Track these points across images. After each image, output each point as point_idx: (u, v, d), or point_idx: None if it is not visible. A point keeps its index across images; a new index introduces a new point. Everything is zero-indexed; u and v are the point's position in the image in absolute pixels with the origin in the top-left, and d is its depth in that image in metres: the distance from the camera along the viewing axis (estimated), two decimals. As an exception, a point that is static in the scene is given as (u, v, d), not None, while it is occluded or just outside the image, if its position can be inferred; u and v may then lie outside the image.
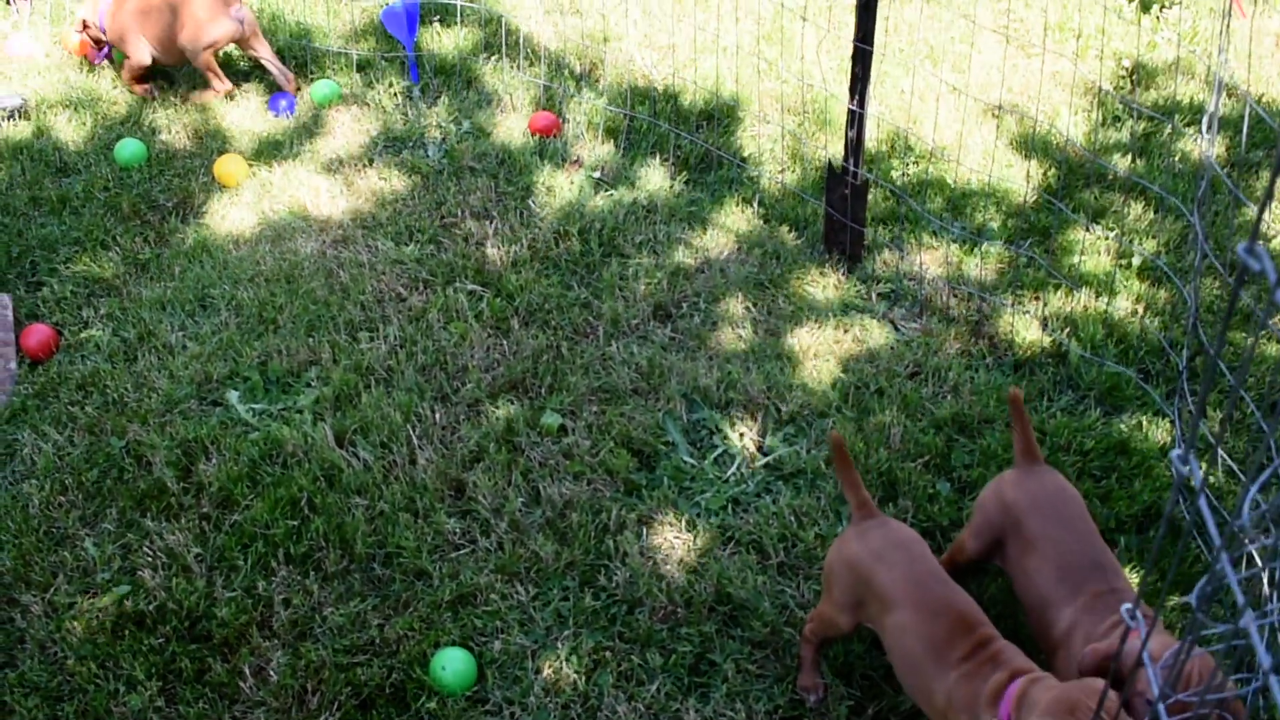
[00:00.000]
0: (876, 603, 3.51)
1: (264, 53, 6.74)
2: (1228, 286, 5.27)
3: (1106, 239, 5.56)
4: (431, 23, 7.15)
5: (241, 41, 6.66)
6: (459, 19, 7.16)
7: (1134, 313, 5.21)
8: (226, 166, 6.13)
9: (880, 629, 3.55)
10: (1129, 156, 6.18)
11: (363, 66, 6.97)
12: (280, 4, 7.43)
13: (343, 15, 7.31)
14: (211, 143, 6.44)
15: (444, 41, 7.06)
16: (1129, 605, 2.29)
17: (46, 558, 4.35)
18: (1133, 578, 4.11)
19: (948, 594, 3.45)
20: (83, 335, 5.26)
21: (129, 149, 6.30)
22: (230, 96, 6.73)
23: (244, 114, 6.68)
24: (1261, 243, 4.67)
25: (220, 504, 4.49)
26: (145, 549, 4.34)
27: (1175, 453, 1.97)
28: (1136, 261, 5.43)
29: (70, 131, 6.51)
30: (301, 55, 6.98)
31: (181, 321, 5.29)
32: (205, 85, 6.75)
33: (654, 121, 6.27)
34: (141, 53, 6.63)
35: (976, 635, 3.34)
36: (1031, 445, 3.79)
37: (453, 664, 3.88)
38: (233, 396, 4.91)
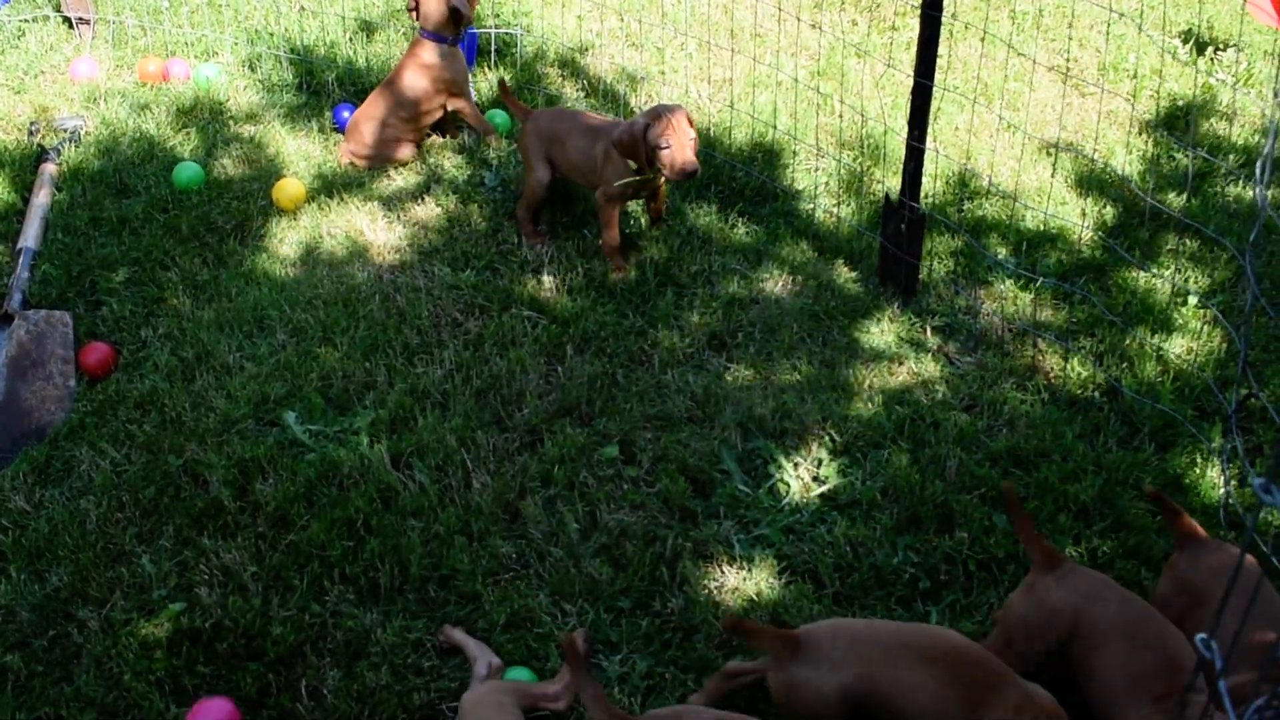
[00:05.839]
0: (1082, 640, 3.53)
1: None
2: (1286, 327, 5.24)
3: (1160, 278, 5.53)
4: (490, 52, 7.20)
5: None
6: (518, 49, 7.21)
7: (1189, 350, 5.18)
8: (285, 190, 6.18)
9: (1082, 665, 3.55)
10: (1184, 196, 6.15)
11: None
12: (335, 35, 7.50)
13: (398, 46, 7.37)
14: (270, 167, 6.50)
15: (502, 72, 7.11)
16: (1204, 636, 2.27)
17: (104, 574, 4.38)
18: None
19: (1163, 629, 3.49)
20: (140, 354, 5.31)
21: (187, 172, 6.35)
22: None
23: (302, 140, 6.74)
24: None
25: (276, 524, 4.51)
26: (201, 567, 4.36)
27: (1258, 481, 1.96)
28: (1192, 301, 5.40)
29: (130, 154, 6.58)
30: (359, 85, 7.04)
31: (239, 342, 5.33)
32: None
33: (709, 153, 6.29)
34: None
35: (1178, 678, 3.37)
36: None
37: (508, 685, 3.87)
38: (289, 417, 4.94)
